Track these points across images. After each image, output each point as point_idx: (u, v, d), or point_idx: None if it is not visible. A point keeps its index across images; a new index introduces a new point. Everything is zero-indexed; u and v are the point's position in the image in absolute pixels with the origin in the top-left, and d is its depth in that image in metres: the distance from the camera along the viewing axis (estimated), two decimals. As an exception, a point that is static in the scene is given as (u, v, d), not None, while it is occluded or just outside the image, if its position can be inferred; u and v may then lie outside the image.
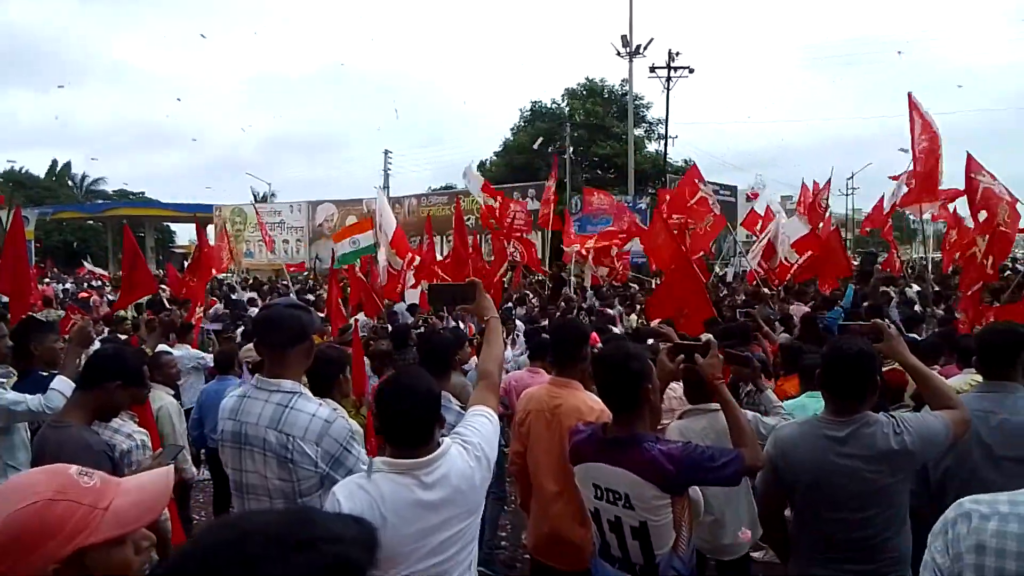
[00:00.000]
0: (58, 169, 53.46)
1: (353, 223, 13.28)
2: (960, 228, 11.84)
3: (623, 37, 29.27)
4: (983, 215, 8.73)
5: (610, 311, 10.15)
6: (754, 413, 3.30)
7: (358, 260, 11.07)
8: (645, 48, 29.29)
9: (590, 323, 7.53)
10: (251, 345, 4.62)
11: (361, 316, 9.09)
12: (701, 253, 12.37)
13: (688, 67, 30.16)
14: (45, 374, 3.81)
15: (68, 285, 22.56)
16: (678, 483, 2.27)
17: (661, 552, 2.31)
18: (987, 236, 8.27)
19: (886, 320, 2.44)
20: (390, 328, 7.59)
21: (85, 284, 23.22)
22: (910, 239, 35.54)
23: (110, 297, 15.98)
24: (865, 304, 8.75)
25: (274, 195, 43.44)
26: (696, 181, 12.76)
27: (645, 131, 35.89)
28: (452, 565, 2.08)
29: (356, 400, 4.24)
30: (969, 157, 8.89)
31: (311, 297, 13.58)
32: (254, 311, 10.50)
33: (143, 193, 51.73)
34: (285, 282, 16.93)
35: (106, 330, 8.74)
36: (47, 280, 21.84)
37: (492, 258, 12.28)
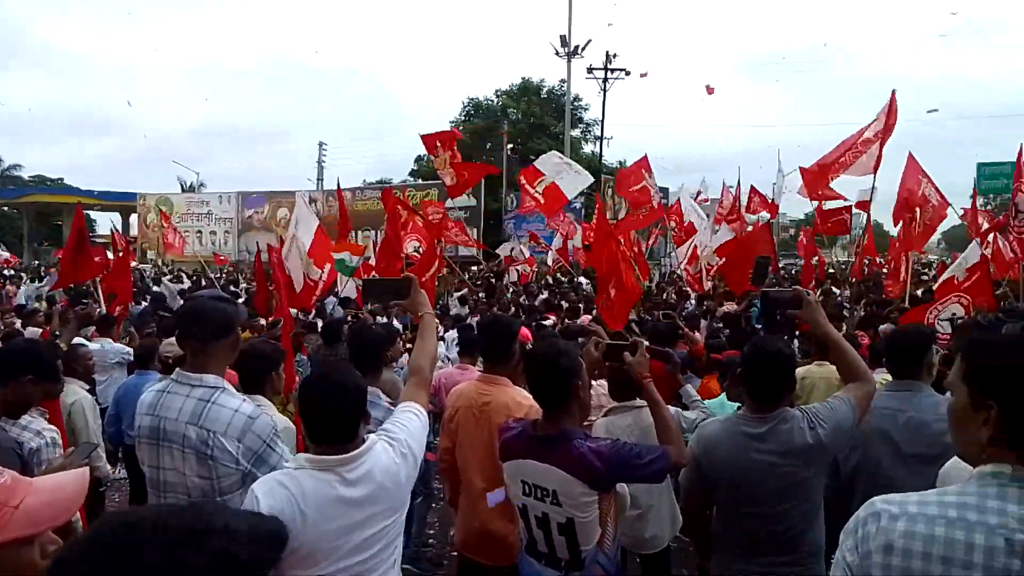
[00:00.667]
0: (-30, 154, 50.46)
1: (353, 244, 12.61)
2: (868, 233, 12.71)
3: (562, 37, 29.60)
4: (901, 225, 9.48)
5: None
6: (676, 408, 3.39)
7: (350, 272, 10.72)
8: (583, 49, 29.75)
9: (522, 319, 7.59)
10: (173, 339, 4.45)
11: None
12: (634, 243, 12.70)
13: (625, 69, 30.87)
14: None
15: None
16: (606, 480, 2.30)
17: (587, 548, 2.34)
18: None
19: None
20: (319, 324, 7.45)
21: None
22: (831, 243, 37.14)
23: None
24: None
25: (203, 185, 42.10)
26: (643, 171, 13.23)
27: (582, 132, 36.35)
28: (376, 563, 2.06)
29: (284, 396, 4.15)
30: (910, 156, 9.58)
31: (235, 289, 13.15)
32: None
33: (62, 180, 49.50)
34: (216, 275, 16.41)
35: (18, 322, 8.31)
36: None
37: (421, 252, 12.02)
